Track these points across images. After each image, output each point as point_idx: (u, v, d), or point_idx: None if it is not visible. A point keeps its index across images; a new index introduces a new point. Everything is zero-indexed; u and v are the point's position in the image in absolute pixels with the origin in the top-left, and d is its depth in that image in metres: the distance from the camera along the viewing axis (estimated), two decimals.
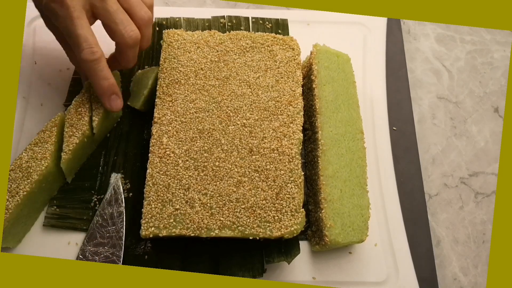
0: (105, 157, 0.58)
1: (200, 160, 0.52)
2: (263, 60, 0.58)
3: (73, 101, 0.55)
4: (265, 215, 0.50)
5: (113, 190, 0.55)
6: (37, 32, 0.65)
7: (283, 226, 0.49)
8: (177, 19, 0.66)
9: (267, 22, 0.67)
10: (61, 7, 0.47)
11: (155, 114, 0.54)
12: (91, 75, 0.51)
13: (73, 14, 0.47)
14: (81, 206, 0.55)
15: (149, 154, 0.52)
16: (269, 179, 0.51)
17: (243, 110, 0.55)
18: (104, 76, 0.51)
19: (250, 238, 0.49)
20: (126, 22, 0.51)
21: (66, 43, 0.53)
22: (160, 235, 0.49)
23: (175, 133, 0.53)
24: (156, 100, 0.55)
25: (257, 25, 0.67)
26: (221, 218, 0.49)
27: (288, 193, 0.51)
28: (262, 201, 0.50)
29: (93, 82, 0.52)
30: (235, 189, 0.51)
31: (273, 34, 0.60)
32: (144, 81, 0.58)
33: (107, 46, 0.53)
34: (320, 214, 0.52)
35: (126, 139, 0.59)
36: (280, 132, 0.54)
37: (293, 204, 0.50)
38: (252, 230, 0.49)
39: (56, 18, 0.48)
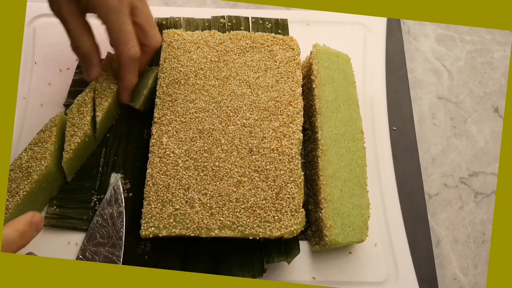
0: (105, 157, 0.58)
1: (200, 160, 0.52)
2: (263, 60, 0.58)
3: (75, 100, 0.55)
4: (265, 215, 0.50)
5: (113, 190, 0.55)
6: (37, 32, 0.65)
7: (283, 226, 0.49)
8: (177, 19, 0.66)
9: (267, 22, 0.67)
10: (117, 1, 0.48)
11: (155, 114, 0.54)
12: (127, 70, 0.54)
13: (125, 10, 0.49)
14: (81, 206, 0.55)
15: (149, 154, 0.52)
16: (269, 179, 0.51)
17: (243, 110, 0.55)
18: (135, 74, 0.55)
19: (250, 238, 0.49)
20: (157, 28, 0.56)
21: (74, 30, 0.52)
22: (160, 235, 0.49)
23: (175, 133, 0.53)
24: (156, 100, 0.55)
25: (257, 25, 0.67)
26: (221, 218, 0.49)
27: (288, 193, 0.51)
28: (262, 201, 0.50)
29: (125, 76, 0.54)
30: (235, 189, 0.51)
31: (273, 34, 0.60)
32: (144, 81, 0.58)
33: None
34: (320, 214, 0.52)
35: (126, 139, 0.59)
36: (280, 132, 0.54)
37: (293, 204, 0.50)
38: (252, 230, 0.49)
39: (104, 11, 0.49)
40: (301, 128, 0.54)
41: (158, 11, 0.67)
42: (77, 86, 0.60)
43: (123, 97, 0.57)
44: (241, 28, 0.66)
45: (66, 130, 0.53)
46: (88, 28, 0.53)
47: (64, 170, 0.53)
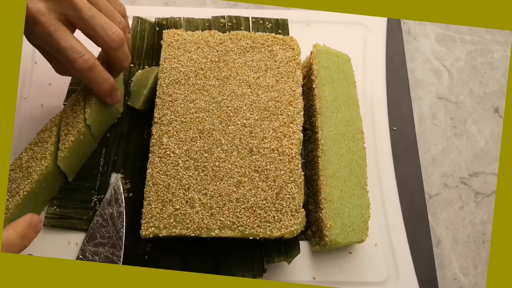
0: (105, 157, 0.58)
1: (200, 160, 0.52)
2: (263, 60, 0.58)
3: (68, 100, 0.55)
4: (265, 215, 0.50)
5: (113, 190, 0.55)
6: None
7: (283, 226, 0.49)
8: (177, 19, 0.66)
9: (267, 22, 0.67)
10: (36, 26, 0.45)
11: (155, 114, 0.54)
12: (90, 82, 0.51)
13: (49, 29, 0.46)
14: (81, 206, 0.55)
15: (149, 154, 0.52)
16: (269, 179, 0.51)
17: (243, 110, 0.55)
18: (104, 79, 0.51)
19: (250, 238, 0.49)
20: (105, 26, 0.48)
21: (49, 57, 0.51)
22: (160, 235, 0.49)
23: (175, 133, 0.53)
24: (156, 100, 0.55)
25: (257, 25, 0.67)
26: (221, 218, 0.49)
27: (288, 193, 0.51)
28: (262, 201, 0.50)
29: (93, 87, 0.52)
30: (235, 189, 0.51)
31: (273, 34, 0.60)
32: (144, 81, 0.58)
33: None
34: (320, 214, 0.52)
35: (126, 139, 0.59)
36: (280, 132, 0.54)
37: (293, 204, 0.50)
38: (252, 230, 0.49)
39: (37, 38, 0.47)
40: (301, 128, 0.54)
41: (158, 11, 0.67)
42: (77, 86, 0.60)
43: (107, 101, 0.54)
44: (241, 28, 0.66)
45: (61, 130, 0.53)
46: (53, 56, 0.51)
47: (61, 169, 0.53)
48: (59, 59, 0.49)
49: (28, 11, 0.45)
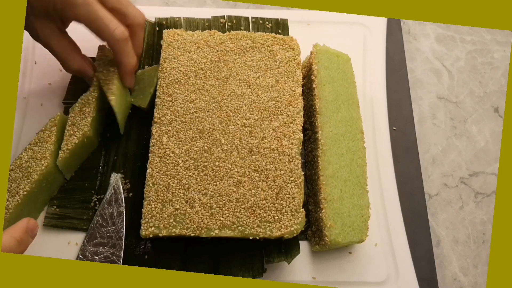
0: (105, 157, 0.58)
1: (200, 160, 0.52)
2: (263, 60, 0.58)
3: (79, 99, 0.55)
4: (265, 215, 0.50)
5: (113, 190, 0.55)
6: None
7: (283, 226, 0.49)
8: (177, 19, 0.66)
9: (267, 22, 0.67)
10: None
11: (155, 114, 0.54)
12: (122, 53, 0.53)
13: (91, 0, 0.48)
14: (81, 206, 0.55)
15: (149, 154, 0.52)
16: (269, 179, 0.51)
17: (243, 110, 0.55)
18: (132, 54, 0.54)
19: (250, 238, 0.49)
20: (133, 4, 0.53)
21: (59, 53, 0.53)
22: (160, 235, 0.49)
23: (175, 133, 0.53)
24: (156, 100, 0.55)
25: (257, 25, 0.67)
26: (221, 218, 0.49)
27: (288, 193, 0.51)
28: (262, 201, 0.50)
29: (122, 60, 0.54)
30: (235, 189, 0.51)
31: (273, 34, 0.60)
32: (149, 80, 0.58)
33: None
34: (320, 214, 0.52)
35: (126, 139, 0.59)
36: (280, 132, 0.54)
37: (293, 204, 0.50)
38: (252, 230, 0.49)
39: (74, 10, 0.48)
40: (301, 128, 0.54)
41: (158, 11, 0.67)
42: (77, 85, 0.60)
43: (127, 82, 0.56)
44: (241, 28, 0.66)
45: (66, 129, 0.53)
46: (71, 47, 0.54)
47: (59, 169, 0.53)
48: (92, 30, 0.50)
49: None
